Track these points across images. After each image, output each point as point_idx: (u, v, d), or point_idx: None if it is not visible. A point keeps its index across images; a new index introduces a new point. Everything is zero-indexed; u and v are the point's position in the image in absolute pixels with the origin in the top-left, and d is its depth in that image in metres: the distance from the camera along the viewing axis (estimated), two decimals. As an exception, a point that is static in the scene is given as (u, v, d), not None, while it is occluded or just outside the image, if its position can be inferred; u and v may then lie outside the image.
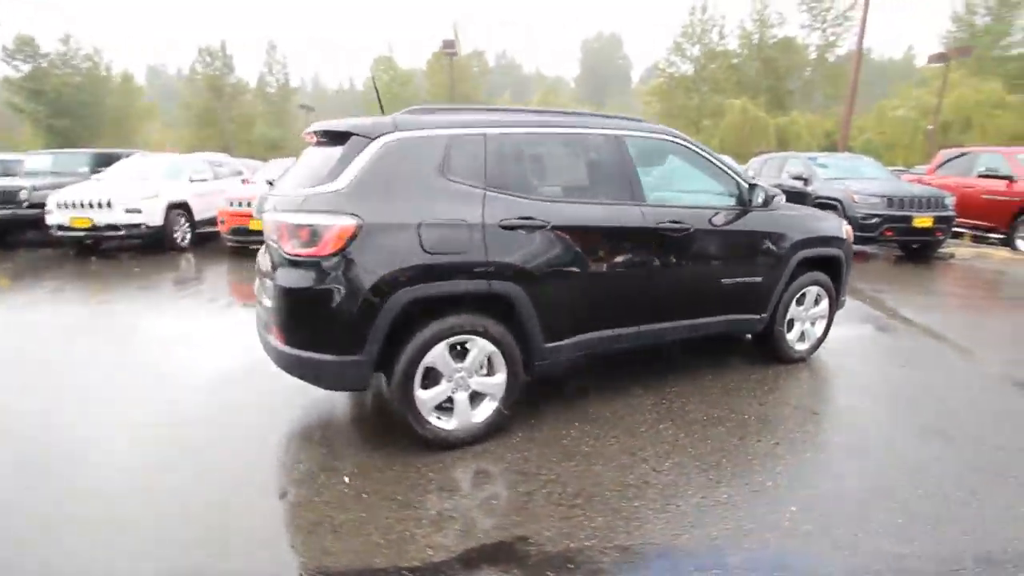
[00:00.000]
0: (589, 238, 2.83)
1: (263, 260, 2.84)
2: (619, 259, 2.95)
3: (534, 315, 2.67)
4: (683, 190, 3.36)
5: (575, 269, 2.77)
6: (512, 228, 2.60)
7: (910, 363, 4.00)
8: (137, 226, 8.22)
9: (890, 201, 7.57)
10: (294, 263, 2.37)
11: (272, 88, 46.66)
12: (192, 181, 9.53)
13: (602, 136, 3.02)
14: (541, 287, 2.66)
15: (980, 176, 9.43)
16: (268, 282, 2.54)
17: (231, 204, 8.24)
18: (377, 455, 2.60)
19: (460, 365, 2.60)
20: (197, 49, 42.23)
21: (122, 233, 8.25)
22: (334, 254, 2.28)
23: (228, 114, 41.29)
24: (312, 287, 2.32)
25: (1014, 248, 8.66)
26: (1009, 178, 8.94)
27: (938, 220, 7.65)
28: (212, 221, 9.78)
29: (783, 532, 2.07)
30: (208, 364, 3.84)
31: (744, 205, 3.36)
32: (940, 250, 8.32)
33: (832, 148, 28.48)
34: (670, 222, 3.06)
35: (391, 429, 2.78)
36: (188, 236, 9.20)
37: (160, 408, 3.11)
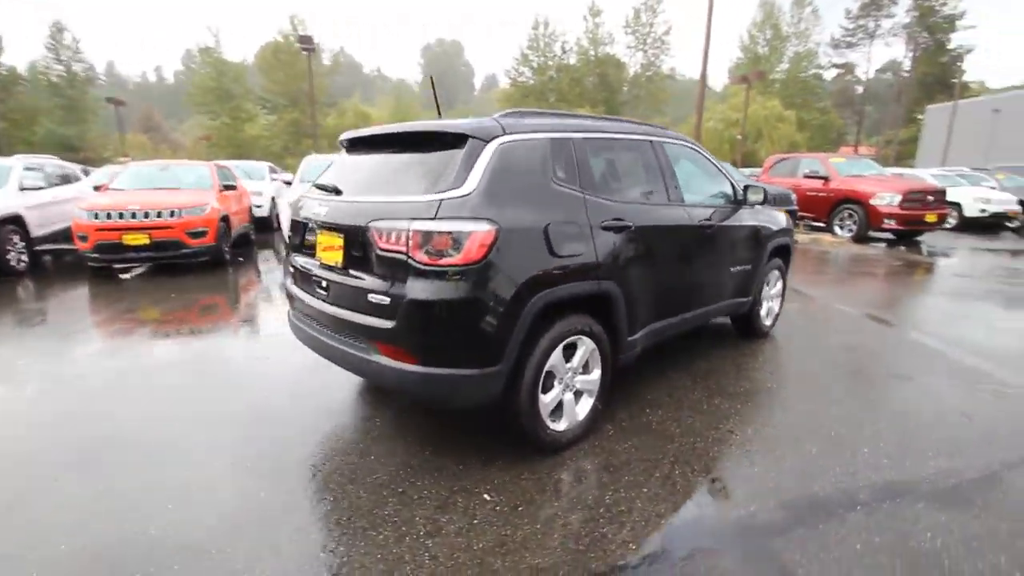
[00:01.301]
0: (658, 236, 3.05)
1: (330, 278, 2.56)
2: (675, 254, 3.22)
3: (624, 311, 2.80)
4: (699, 191, 3.76)
5: (649, 266, 2.97)
6: (608, 229, 2.71)
7: (824, 321, 5.06)
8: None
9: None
10: (432, 274, 2.18)
11: (57, 78, 38.33)
12: (24, 190, 7.63)
13: (650, 142, 3.27)
14: (628, 284, 2.81)
15: (805, 176, 11.76)
16: (377, 298, 2.29)
17: (94, 216, 6.79)
18: (493, 469, 2.50)
19: (568, 366, 2.62)
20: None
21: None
22: (477, 262, 2.16)
23: (-2, 108, 33.05)
24: (455, 298, 2.16)
25: (834, 233, 11.00)
26: (825, 178, 11.30)
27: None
28: (56, 237, 8.00)
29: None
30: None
31: (741, 203, 3.87)
32: (788, 237, 10.23)
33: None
34: (703, 220, 3.43)
35: (473, 442, 2.71)
36: (23, 258, 7.36)
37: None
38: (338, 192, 2.67)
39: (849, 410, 3.13)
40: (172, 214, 6.86)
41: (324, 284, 2.64)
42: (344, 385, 3.38)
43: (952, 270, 8.33)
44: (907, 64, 41.79)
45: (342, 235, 2.52)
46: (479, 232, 2.16)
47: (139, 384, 3.52)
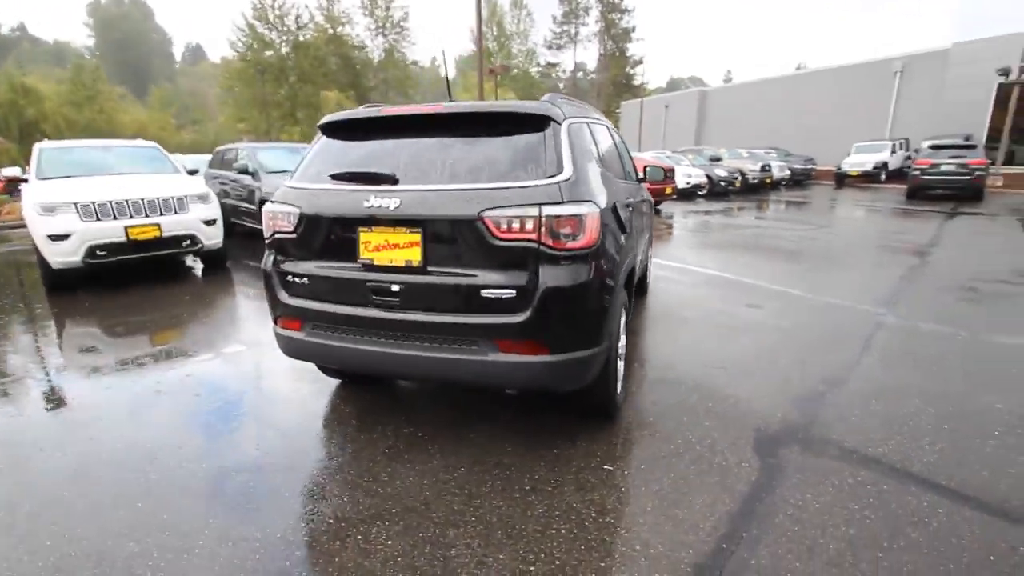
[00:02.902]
0: (633, 210, 3.41)
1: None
2: (637, 223, 3.65)
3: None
4: (631, 168, 4.23)
5: (626, 236, 3.29)
6: (627, 206, 2.96)
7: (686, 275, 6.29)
8: None
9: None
10: (564, 259, 2.09)
11: None
12: None
13: (607, 126, 3.58)
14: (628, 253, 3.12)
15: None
16: (496, 292, 2.08)
17: None
18: (526, 472, 2.57)
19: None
20: None
21: None
22: (594, 243, 2.16)
23: None
24: (584, 281, 2.13)
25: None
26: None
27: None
28: None
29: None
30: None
31: (642, 180, 4.54)
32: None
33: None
34: (643, 195, 3.95)
35: (500, 437, 2.74)
36: None
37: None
38: (395, 180, 2.25)
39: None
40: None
41: (392, 288, 2.23)
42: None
43: (686, 227, 10.93)
44: (591, 66, 51.42)
45: (420, 229, 2.17)
46: (594, 214, 2.17)
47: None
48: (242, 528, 2.02)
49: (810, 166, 24.19)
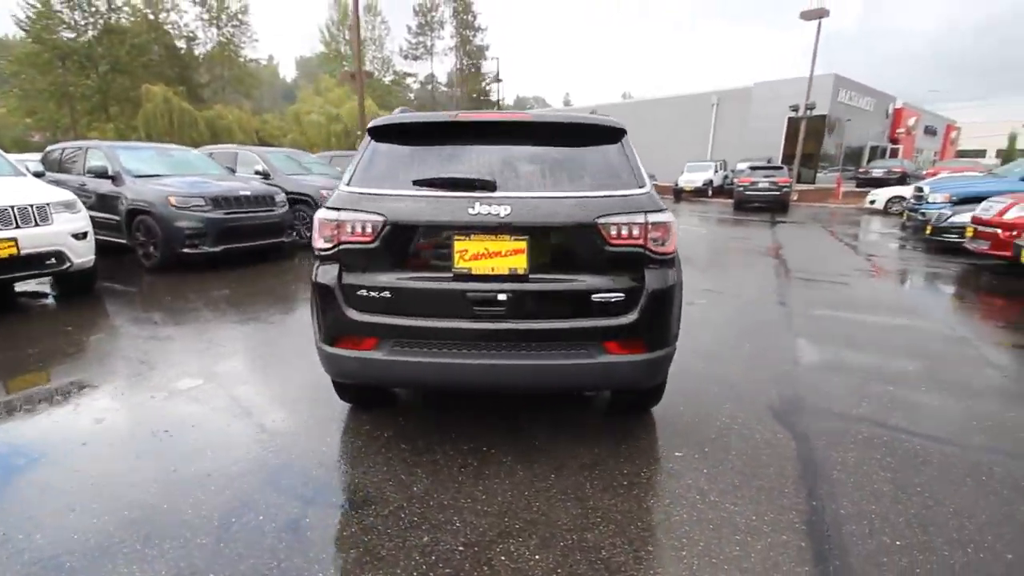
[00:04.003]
0: None
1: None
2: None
3: None
4: None
5: None
6: None
7: None
8: None
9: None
10: (661, 263, 2.26)
11: None
12: None
13: None
14: None
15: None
16: (606, 296, 2.16)
17: None
18: (613, 469, 2.75)
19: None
20: None
21: None
22: (675, 249, 2.36)
23: None
24: (676, 283, 2.33)
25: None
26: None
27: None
28: None
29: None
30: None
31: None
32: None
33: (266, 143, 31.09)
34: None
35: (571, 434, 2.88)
36: None
37: None
38: (494, 187, 2.18)
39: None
40: None
41: (498, 298, 2.16)
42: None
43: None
44: (448, 79, 52.31)
45: (527, 236, 2.15)
46: (674, 221, 2.37)
47: None
48: None
49: (653, 182, 27.52)
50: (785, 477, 2.40)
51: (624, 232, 2.19)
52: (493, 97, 49.97)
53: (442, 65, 75.87)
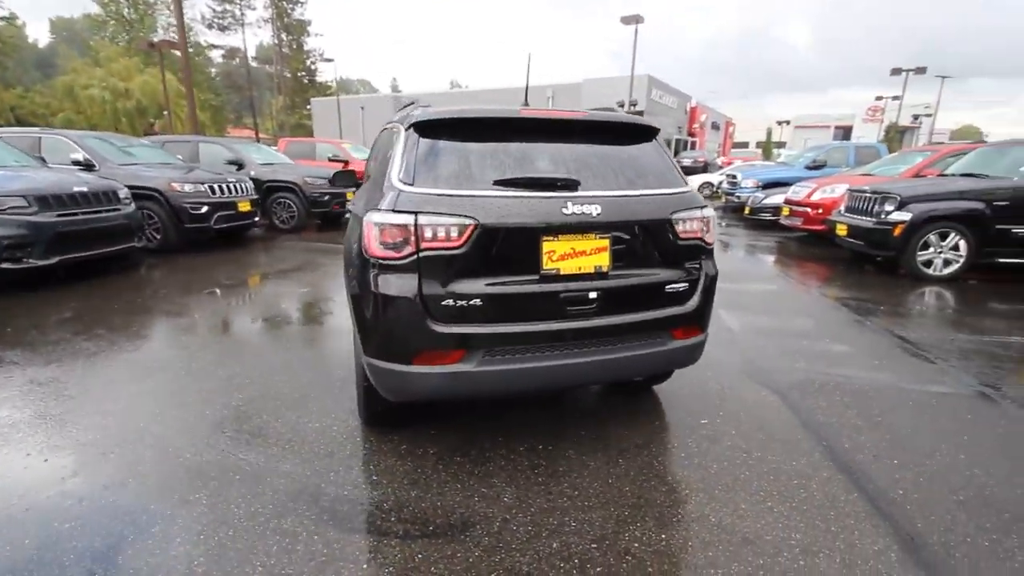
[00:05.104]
0: None
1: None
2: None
3: None
4: None
5: None
6: None
7: None
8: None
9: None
10: (711, 253, 2.52)
11: None
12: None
13: None
14: None
15: (329, 159, 12.89)
16: (675, 287, 2.37)
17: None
18: (659, 453, 3.02)
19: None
20: None
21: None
22: (714, 240, 2.63)
23: None
24: (716, 271, 2.58)
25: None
26: (345, 161, 12.86)
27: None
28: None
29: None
30: None
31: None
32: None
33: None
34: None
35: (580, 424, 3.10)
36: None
37: None
38: (577, 186, 2.16)
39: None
40: None
41: (589, 296, 2.18)
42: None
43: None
44: (261, 53, 47.14)
45: (609, 234, 2.20)
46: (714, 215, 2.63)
47: None
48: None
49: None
50: (793, 427, 2.88)
51: (689, 227, 2.41)
52: (320, 78, 46.44)
53: (256, 38, 67.82)
